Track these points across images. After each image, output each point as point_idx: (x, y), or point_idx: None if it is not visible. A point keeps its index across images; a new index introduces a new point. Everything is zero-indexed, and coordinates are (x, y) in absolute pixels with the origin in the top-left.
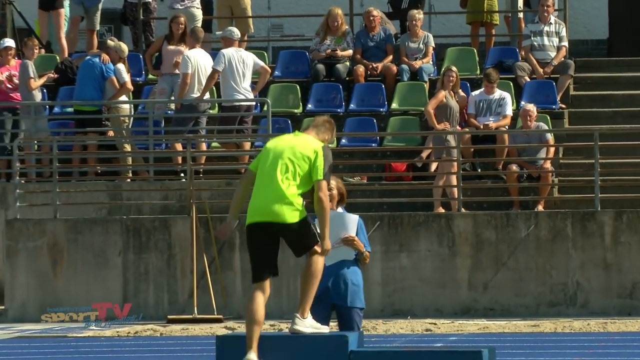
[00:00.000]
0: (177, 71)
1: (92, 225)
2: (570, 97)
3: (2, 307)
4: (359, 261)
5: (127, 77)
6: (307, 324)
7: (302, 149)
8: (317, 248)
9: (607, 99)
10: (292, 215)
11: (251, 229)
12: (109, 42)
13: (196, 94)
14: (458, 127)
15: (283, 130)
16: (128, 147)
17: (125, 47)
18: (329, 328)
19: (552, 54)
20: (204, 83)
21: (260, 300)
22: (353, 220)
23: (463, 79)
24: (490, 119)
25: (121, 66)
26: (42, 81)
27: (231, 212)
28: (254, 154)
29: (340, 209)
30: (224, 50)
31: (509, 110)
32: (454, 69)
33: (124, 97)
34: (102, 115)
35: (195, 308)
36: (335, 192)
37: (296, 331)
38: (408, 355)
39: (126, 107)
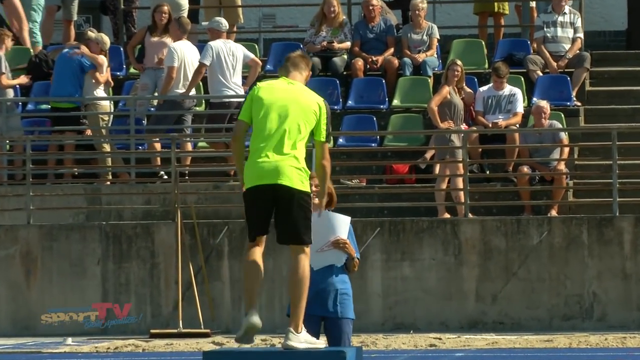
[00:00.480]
0: (161, 65)
1: (68, 231)
2: (586, 93)
3: None
4: (348, 268)
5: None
6: (302, 339)
7: (307, 102)
8: (307, 249)
9: (626, 95)
10: (300, 182)
11: (251, 192)
12: (90, 33)
13: (181, 90)
14: (464, 126)
15: None
16: (107, 147)
17: (107, 39)
18: (325, 343)
19: (567, 46)
20: (190, 78)
21: (258, 252)
22: (344, 222)
23: (470, 73)
24: (500, 116)
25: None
26: (15, 82)
27: (241, 176)
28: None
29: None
30: (211, 43)
31: (520, 107)
32: (459, 62)
33: (102, 93)
34: (80, 112)
35: (181, 322)
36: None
37: (290, 347)
38: None
39: (106, 104)
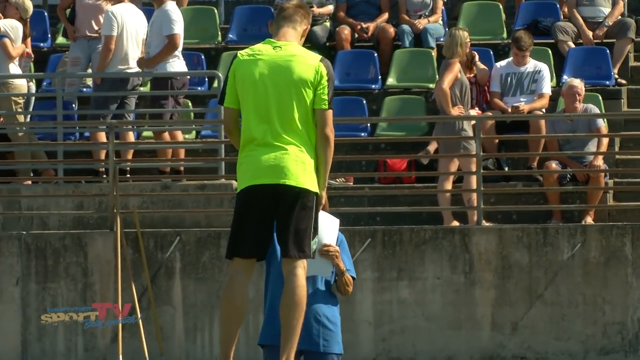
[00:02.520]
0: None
1: None
2: (630, 70)
3: None
4: (338, 289)
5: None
6: None
7: (300, 70)
8: (300, 263)
9: None
10: (307, 180)
11: (244, 195)
12: None
13: (123, 66)
14: (476, 111)
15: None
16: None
17: (29, 5)
18: None
19: (606, 10)
20: (133, 50)
21: (243, 287)
22: (333, 223)
23: (484, 45)
24: (522, 99)
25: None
26: None
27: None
28: (199, 147)
29: None
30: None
31: (547, 87)
32: (462, 33)
33: (16, 69)
34: None
35: (121, 356)
36: None
37: None
38: None
39: (21, 83)
